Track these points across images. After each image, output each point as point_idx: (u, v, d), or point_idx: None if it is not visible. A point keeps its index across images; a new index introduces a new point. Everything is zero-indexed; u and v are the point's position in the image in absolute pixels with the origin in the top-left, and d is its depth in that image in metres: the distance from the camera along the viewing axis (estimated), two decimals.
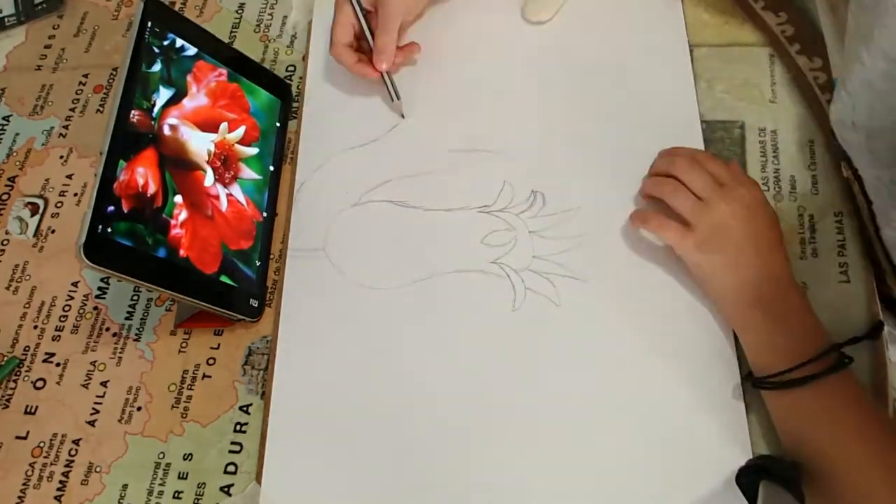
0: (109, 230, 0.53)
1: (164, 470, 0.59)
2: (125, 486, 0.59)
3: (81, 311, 0.66)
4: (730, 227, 0.54)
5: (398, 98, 0.67)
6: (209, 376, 0.62)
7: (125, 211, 0.54)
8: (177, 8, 0.79)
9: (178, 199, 0.59)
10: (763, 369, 0.52)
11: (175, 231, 0.58)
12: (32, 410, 0.63)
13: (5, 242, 0.70)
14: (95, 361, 0.64)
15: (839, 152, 0.55)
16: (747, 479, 0.50)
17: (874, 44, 0.46)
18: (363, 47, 0.68)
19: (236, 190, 0.64)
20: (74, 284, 0.67)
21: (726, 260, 0.54)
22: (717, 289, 0.55)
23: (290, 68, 0.74)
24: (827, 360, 0.49)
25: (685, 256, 0.56)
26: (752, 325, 0.53)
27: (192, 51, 0.62)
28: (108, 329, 0.65)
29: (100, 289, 0.67)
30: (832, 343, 0.50)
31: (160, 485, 0.58)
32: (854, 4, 0.48)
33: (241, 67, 0.67)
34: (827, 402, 0.49)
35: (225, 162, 0.63)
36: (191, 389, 0.61)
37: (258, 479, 0.57)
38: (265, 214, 0.66)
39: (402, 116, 0.68)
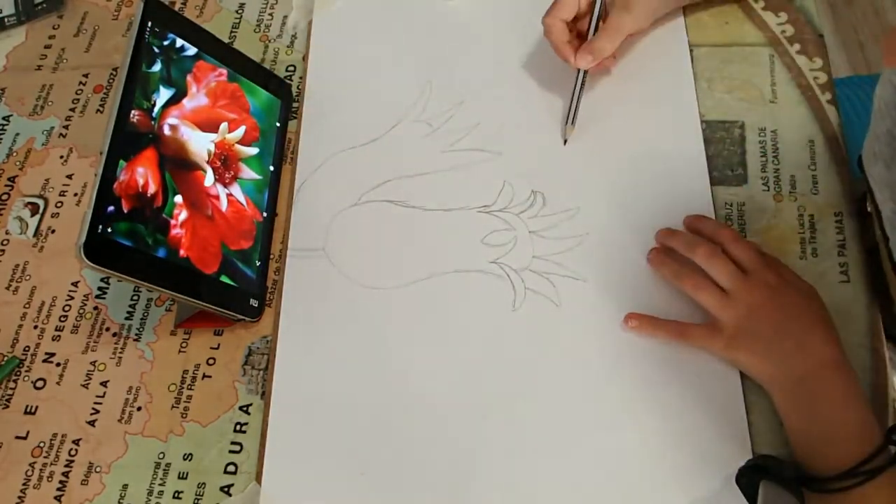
0: (109, 230, 0.53)
1: (164, 470, 0.59)
2: (125, 486, 0.59)
3: (81, 311, 0.66)
4: (756, 319, 0.52)
5: (573, 124, 0.64)
6: (209, 376, 0.62)
7: (125, 211, 0.54)
8: (177, 8, 0.79)
9: (178, 199, 0.59)
10: (809, 464, 0.49)
11: (175, 231, 0.58)
12: (32, 410, 0.63)
13: (5, 242, 0.70)
14: (95, 361, 0.64)
15: (866, 187, 0.52)
16: (747, 479, 0.50)
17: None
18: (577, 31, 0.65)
19: (236, 190, 0.64)
20: (74, 284, 0.67)
21: (758, 354, 0.52)
22: (756, 378, 0.53)
23: (290, 68, 0.74)
24: (880, 458, 0.46)
25: (717, 355, 0.54)
26: (792, 417, 0.50)
27: (192, 51, 0.62)
28: (108, 329, 0.65)
29: (100, 289, 0.67)
30: (884, 437, 0.47)
31: (160, 485, 0.58)
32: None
33: (241, 67, 0.67)
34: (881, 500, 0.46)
35: (225, 162, 0.63)
36: (191, 389, 0.61)
37: (258, 479, 0.57)
38: (265, 214, 0.66)
39: (564, 142, 0.65)
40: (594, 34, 0.63)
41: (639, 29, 0.64)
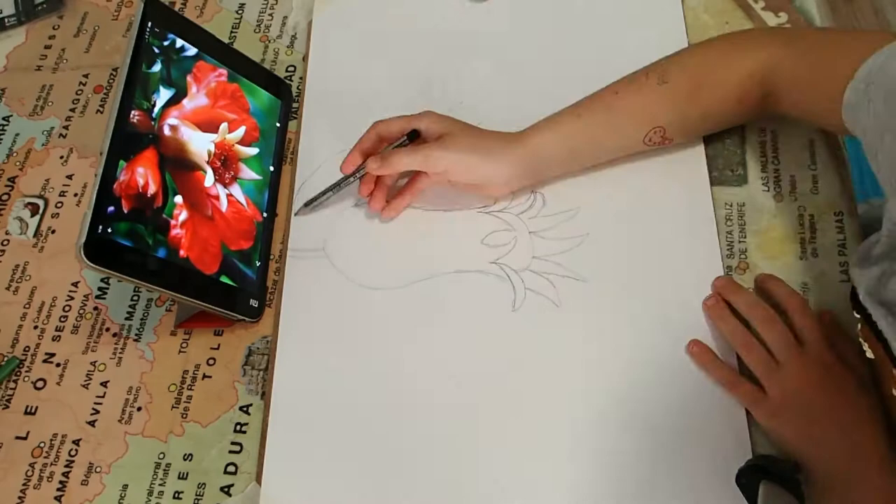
0: (109, 230, 0.53)
1: (164, 470, 0.59)
2: (125, 487, 0.59)
3: (81, 311, 0.66)
4: (803, 396, 0.50)
5: (311, 210, 0.65)
6: (209, 376, 0.62)
7: (125, 211, 0.54)
8: (177, 8, 0.79)
9: (179, 199, 0.59)
10: None
11: (175, 231, 0.58)
12: (32, 410, 0.63)
13: (5, 242, 0.70)
14: (95, 361, 0.64)
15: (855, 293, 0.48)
16: (747, 479, 0.50)
17: None
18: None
19: (236, 190, 0.64)
20: (74, 284, 0.67)
21: (800, 431, 0.50)
22: (794, 456, 0.50)
23: (290, 68, 0.74)
24: None
25: (758, 420, 0.52)
26: (828, 500, 0.48)
27: (192, 51, 0.62)
28: (108, 329, 0.65)
29: (100, 289, 0.67)
30: None
31: (160, 485, 0.58)
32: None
33: (241, 68, 0.67)
34: None
35: (225, 162, 0.63)
36: (191, 389, 0.61)
37: (258, 479, 0.57)
38: (265, 214, 0.66)
39: (295, 214, 0.66)
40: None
41: (450, 175, 0.59)
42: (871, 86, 0.44)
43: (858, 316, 0.47)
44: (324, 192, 0.63)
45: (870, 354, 0.49)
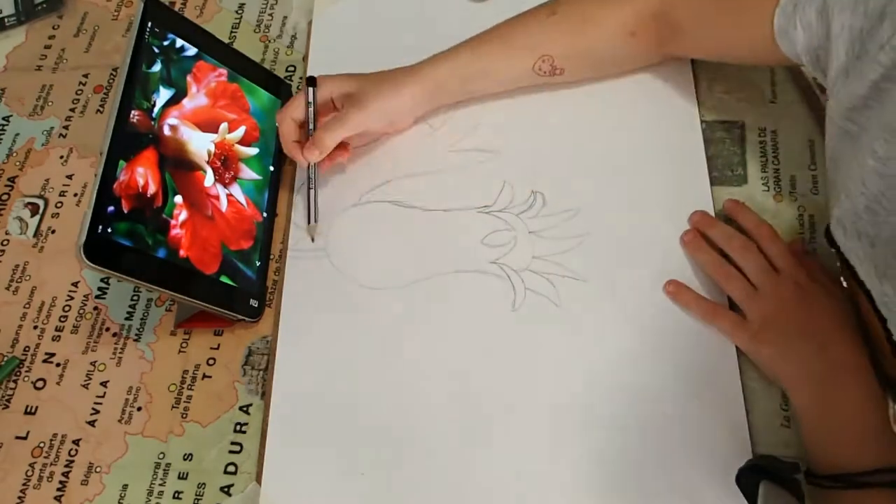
0: (109, 230, 0.53)
1: (164, 470, 0.59)
2: (125, 487, 0.59)
3: (81, 311, 0.66)
4: (783, 316, 0.52)
5: (315, 221, 0.64)
6: (209, 376, 0.62)
7: (125, 211, 0.54)
8: (177, 8, 0.79)
9: (178, 199, 0.59)
10: (817, 465, 0.49)
11: (175, 231, 0.58)
12: (32, 410, 0.63)
13: (5, 242, 0.70)
14: (95, 361, 0.64)
15: (840, 261, 0.49)
16: (747, 479, 0.50)
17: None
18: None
19: (236, 190, 0.64)
20: (74, 284, 0.67)
21: (780, 350, 0.52)
22: (775, 378, 0.53)
23: (290, 68, 0.74)
24: (883, 476, 0.46)
25: (741, 346, 0.55)
26: (807, 416, 0.50)
27: (192, 51, 0.62)
28: (108, 329, 0.65)
29: (100, 289, 0.67)
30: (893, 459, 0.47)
31: (160, 485, 0.58)
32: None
33: (242, 67, 0.67)
34: None
35: (225, 162, 0.63)
36: (191, 389, 0.61)
37: (258, 479, 0.57)
38: (265, 214, 0.66)
39: (312, 240, 0.64)
40: (313, 129, 0.62)
41: (374, 127, 0.64)
42: (799, 6, 0.47)
43: (833, 250, 0.49)
44: (308, 199, 0.64)
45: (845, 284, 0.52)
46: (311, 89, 0.63)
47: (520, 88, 0.67)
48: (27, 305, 0.67)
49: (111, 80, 0.77)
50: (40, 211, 0.71)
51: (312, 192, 0.64)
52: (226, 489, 0.58)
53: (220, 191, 0.62)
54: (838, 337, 0.51)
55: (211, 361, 0.62)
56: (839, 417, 0.49)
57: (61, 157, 0.73)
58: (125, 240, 0.54)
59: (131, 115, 0.56)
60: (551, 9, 0.61)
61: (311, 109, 0.63)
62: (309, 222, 0.64)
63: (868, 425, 0.48)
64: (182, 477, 0.58)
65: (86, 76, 0.77)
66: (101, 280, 0.67)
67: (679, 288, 0.57)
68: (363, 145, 0.67)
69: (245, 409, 0.60)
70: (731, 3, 0.54)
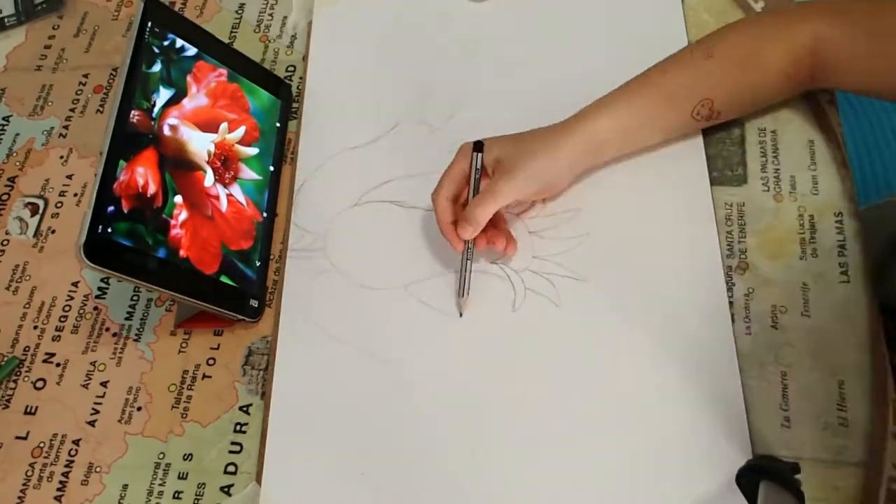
0: (109, 230, 0.53)
1: (164, 470, 0.59)
2: (125, 487, 0.59)
3: (81, 311, 0.66)
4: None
5: (466, 295, 0.59)
6: (209, 376, 0.62)
7: (125, 211, 0.54)
8: (177, 8, 0.79)
9: (178, 199, 0.59)
10: None
11: (175, 231, 0.58)
12: (32, 410, 0.63)
13: (5, 242, 0.70)
14: (95, 361, 0.64)
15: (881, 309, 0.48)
16: (747, 479, 0.50)
17: None
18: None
19: (236, 190, 0.64)
20: (74, 284, 0.67)
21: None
22: None
23: (290, 68, 0.74)
24: None
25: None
26: None
27: (192, 51, 0.62)
28: (108, 329, 0.65)
29: (100, 289, 0.67)
30: None
31: (160, 485, 0.58)
32: None
33: (242, 68, 0.67)
34: None
35: (225, 162, 0.63)
36: (191, 389, 0.61)
37: (258, 479, 0.57)
38: (265, 214, 0.66)
39: (460, 315, 0.60)
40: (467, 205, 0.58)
41: (525, 196, 0.59)
42: None
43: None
44: (462, 271, 0.59)
45: None
46: (478, 155, 0.59)
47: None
48: (27, 305, 0.67)
49: (111, 80, 0.77)
50: (40, 211, 0.71)
51: (469, 263, 0.59)
52: (226, 489, 0.58)
53: (220, 191, 0.62)
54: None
55: (211, 361, 0.62)
56: None
57: (61, 157, 0.73)
58: (125, 240, 0.54)
59: (131, 115, 0.56)
60: (706, 51, 0.57)
61: (476, 177, 0.59)
62: (461, 295, 0.59)
63: None
64: (182, 477, 0.58)
65: (86, 76, 0.77)
66: (101, 280, 0.67)
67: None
68: (522, 212, 0.63)
69: (245, 409, 0.60)
70: (887, 44, 0.52)
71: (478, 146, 0.59)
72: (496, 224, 0.60)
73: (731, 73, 0.57)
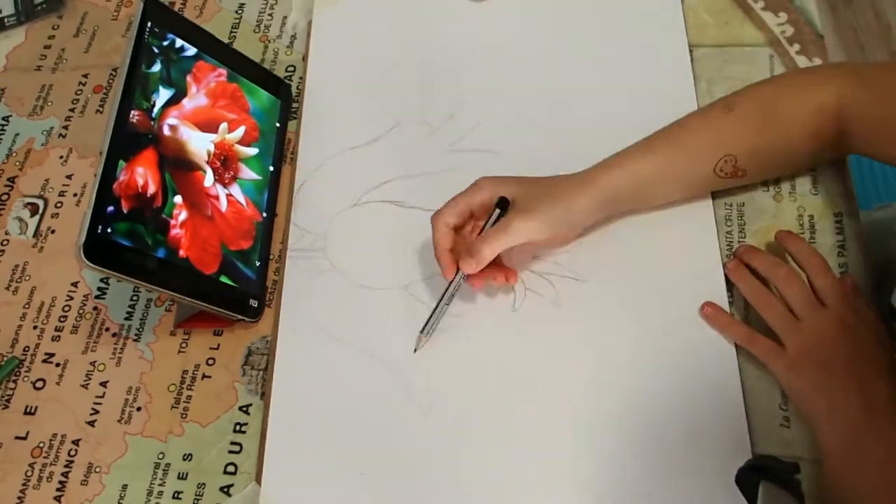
0: (109, 230, 0.53)
1: (164, 470, 0.59)
2: (125, 487, 0.59)
3: (81, 311, 0.66)
4: (822, 351, 0.51)
5: (428, 333, 0.58)
6: (209, 376, 0.62)
7: (125, 211, 0.54)
8: (177, 8, 0.79)
9: (178, 199, 0.59)
10: (834, 499, 0.48)
11: (175, 231, 0.58)
12: (32, 411, 0.63)
13: (5, 242, 0.70)
14: (95, 362, 0.64)
15: None
16: (747, 479, 0.50)
17: None
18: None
19: (236, 190, 0.64)
20: (74, 284, 0.67)
21: (817, 386, 0.50)
22: (807, 412, 0.52)
23: (290, 68, 0.74)
24: None
25: (775, 375, 0.54)
26: (835, 457, 0.49)
27: (191, 51, 0.62)
28: (107, 329, 0.65)
29: (100, 289, 0.67)
30: None
31: (160, 485, 0.58)
32: None
33: (241, 68, 0.67)
34: None
35: (225, 162, 0.63)
36: (190, 390, 0.61)
37: (258, 479, 0.57)
38: (265, 215, 0.66)
39: (415, 350, 0.59)
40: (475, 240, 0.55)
41: (540, 240, 0.55)
42: None
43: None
44: (435, 310, 0.58)
45: None
46: (497, 211, 0.56)
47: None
48: (27, 305, 0.67)
49: (111, 80, 0.77)
50: (40, 211, 0.71)
51: (445, 307, 0.57)
52: (226, 489, 0.58)
53: (220, 191, 0.62)
54: (879, 380, 0.49)
55: (211, 361, 0.62)
56: (869, 464, 0.48)
57: (61, 157, 0.73)
58: (125, 240, 0.54)
59: (131, 115, 0.56)
60: (726, 105, 0.56)
61: (493, 218, 0.56)
62: (422, 331, 0.58)
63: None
64: (182, 477, 0.58)
65: (85, 76, 0.77)
66: (101, 280, 0.67)
67: (716, 311, 0.56)
68: (518, 262, 0.60)
69: (245, 409, 0.60)
70: None
71: (502, 204, 0.56)
72: (495, 260, 0.56)
73: (751, 128, 0.55)
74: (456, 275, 0.56)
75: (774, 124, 0.55)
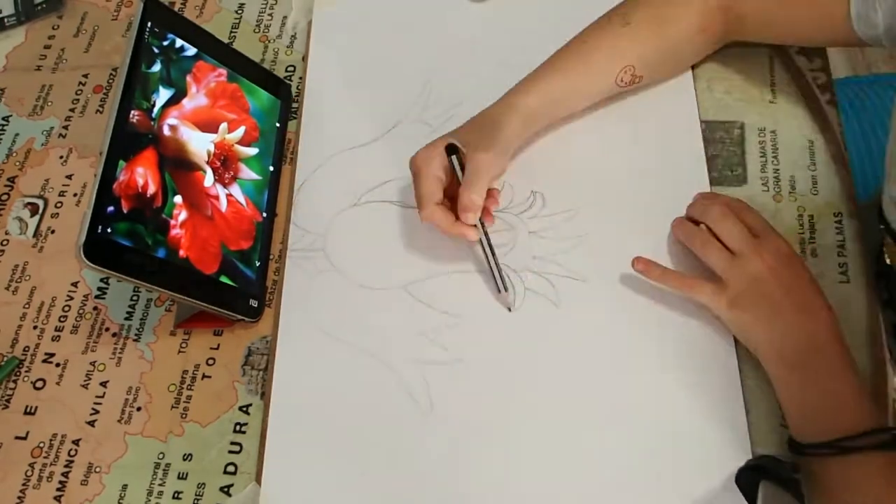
0: (109, 230, 0.53)
1: (164, 470, 0.59)
2: (125, 487, 0.59)
3: (81, 311, 0.66)
4: (764, 282, 0.52)
5: (506, 290, 0.59)
6: (209, 376, 0.62)
7: (125, 211, 0.54)
8: (177, 8, 0.79)
9: (178, 199, 0.59)
10: (799, 434, 0.50)
11: (175, 231, 0.58)
12: (32, 411, 0.63)
13: (5, 242, 0.70)
14: (95, 362, 0.64)
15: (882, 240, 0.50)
16: (747, 479, 0.50)
17: None
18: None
19: (236, 190, 0.64)
20: (74, 284, 0.67)
21: (760, 316, 0.52)
22: (753, 345, 0.53)
23: (290, 68, 0.74)
24: (869, 439, 0.46)
25: (719, 314, 0.55)
26: (787, 385, 0.51)
27: (191, 51, 0.62)
28: (107, 329, 0.65)
29: (100, 289, 0.67)
30: (877, 422, 0.47)
31: (160, 485, 0.58)
32: None
33: (241, 68, 0.67)
34: (865, 477, 0.46)
35: (225, 162, 0.63)
36: (190, 390, 0.61)
37: (258, 479, 0.57)
38: (265, 215, 0.65)
39: (510, 310, 0.60)
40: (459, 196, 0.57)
41: (503, 168, 0.60)
42: None
43: (882, 226, 0.50)
44: (492, 267, 0.59)
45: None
46: (454, 157, 0.58)
47: None
48: (27, 305, 0.67)
49: (111, 80, 0.77)
50: (40, 211, 0.71)
51: (494, 254, 0.59)
52: (226, 489, 0.58)
53: (220, 191, 0.62)
54: (819, 309, 0.51)
55: (211, 361, 0.62)
56: (819, 385, 0.49)
57: (61, 157, 0.73)
58: (125, 240, 0.54)
59: (131, 115, 0.56)
60: (623, 18, 0.60)
61: (457, 170, 0.59)
62: (500, 291, 0.59)
63: (848, 391, 0.49)
64: (182, 477, 0.58)
65: (85, 76, 0.77)
66: (101, 280, 0.67)
67: (648, 265, 0.57)
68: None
69: (245, 409, 0.60)
70: None
71: (451, 149, 0.59)
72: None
73: (650, 38, 0.60)
74: (483, 228, 0.58)
75: (665, 28, 0.60)
